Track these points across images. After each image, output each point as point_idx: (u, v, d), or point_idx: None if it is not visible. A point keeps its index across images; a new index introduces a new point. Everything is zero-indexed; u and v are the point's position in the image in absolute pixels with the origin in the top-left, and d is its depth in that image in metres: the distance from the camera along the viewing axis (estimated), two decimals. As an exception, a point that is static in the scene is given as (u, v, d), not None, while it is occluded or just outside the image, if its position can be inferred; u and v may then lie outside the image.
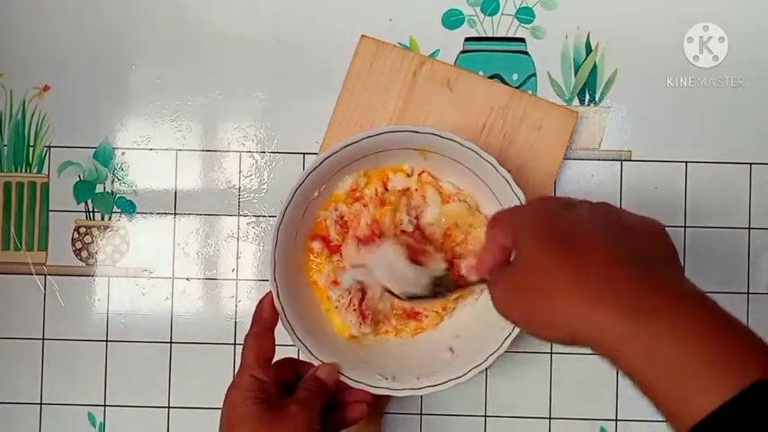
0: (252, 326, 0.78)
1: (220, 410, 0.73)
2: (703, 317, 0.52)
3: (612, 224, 0.62)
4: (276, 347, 0.77)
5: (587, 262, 0.56)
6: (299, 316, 0.80)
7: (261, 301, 0.79)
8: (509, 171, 0.78)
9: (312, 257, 0.86)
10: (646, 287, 0.54)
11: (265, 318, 0.78)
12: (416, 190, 0.87)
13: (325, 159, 0.79)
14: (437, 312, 0.88)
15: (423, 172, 0.87)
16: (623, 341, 0.52)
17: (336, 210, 0.86)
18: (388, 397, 0.82)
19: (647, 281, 0.54)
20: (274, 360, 0.77)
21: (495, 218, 0.69)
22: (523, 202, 0.77)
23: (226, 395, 0.73)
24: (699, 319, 0.52)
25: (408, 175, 0.87)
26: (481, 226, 0.85)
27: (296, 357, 0.83)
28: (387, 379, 0.79)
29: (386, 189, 0.87)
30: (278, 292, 0.79)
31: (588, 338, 0.55)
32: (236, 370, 0.75)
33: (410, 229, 0.85)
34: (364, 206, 0.85)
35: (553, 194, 0.95)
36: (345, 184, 0.86)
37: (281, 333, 0.78)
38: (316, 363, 0.79)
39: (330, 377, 0.78)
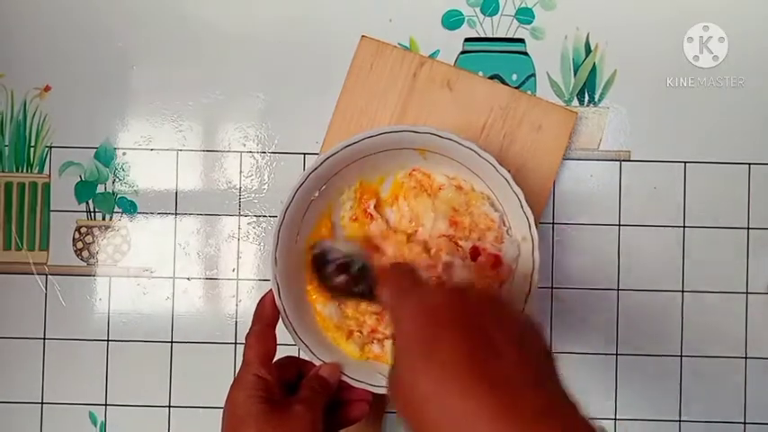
0: (253, 324, 0.78)
1: (222, 410, 0.73)
2: None
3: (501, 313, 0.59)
4: (277, 347, 0.77)
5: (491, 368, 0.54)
6: (300, 315, 0.81)
7: (262, 299, 0.80)
8: (509, 171, 0.78)
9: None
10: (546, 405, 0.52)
11: (267, 315, 0.78)
12: (404, 198, 0.88)
13: (326, 159, 0.79)
14: None
15: (414, 169, 0.87)
16: None
17: None
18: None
19: (547, 396, 0.53)
20: (276, 359, 0.77)
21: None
22: (523, 201, 0.78)
23: (228, 394, 0.73)
24: None
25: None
26: (478, 200, 0.85)
27: (297, 356, 0.83)
28: None
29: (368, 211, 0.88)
30: (279, 292, 0.79)
31: None
32: (238, 369, 0.75)
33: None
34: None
35: (549, 203, 0.96)
36: (346, 213, 0.87)
37: (281, 332, 0.78)
38: (317, 362, 0.80)
39: (333, 376, 0.78)
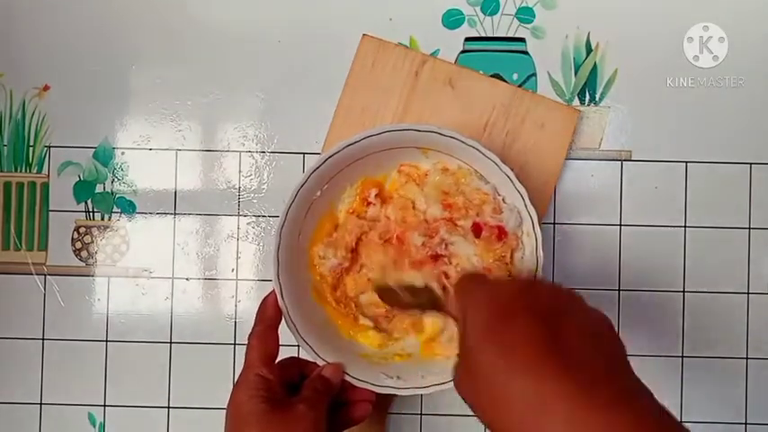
0: (255, 324, 0.78)
1: (224, 410, 0.73)
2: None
3: (564, 320, 0.58)
4: (280, 347, 0.77)
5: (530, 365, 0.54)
6: (302, 315, 0.80)
7: (264, 300, 0.79)
8: (512, 169, 0.78)
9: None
10: (587, 402, 0.52)
11: (269, 316, 0.78)
12: (396, 191, 0.88)
13: (328, 159, 0.79)
14: None
15: (402, 165, 0.88)
16: None
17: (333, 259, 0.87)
18: (392, 396, 0.82)
19: (620, 383, 0.54)
20: (278, 360, 0.77)
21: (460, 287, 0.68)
22: (526, 199, 0.78)
23: (231, 394, 0.73)
24: None
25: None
26: (466, 177, 0.85)
27: (299, 357, 0.83)
28: (391, 378, 0.79)
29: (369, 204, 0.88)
30: (281, 292, 0.79)
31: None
32: (238, 370, 0.75)
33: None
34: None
35: (550, 203, 0.96)
36: (343, 205, 0.88)
37: (283, 333, 0.78)
38: (320, 362, 0.79)
39: (335, 376, 0.78)
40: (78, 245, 0.98)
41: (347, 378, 0.79)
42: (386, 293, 0.84)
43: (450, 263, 0.84)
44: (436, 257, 0.85)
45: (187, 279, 0.98)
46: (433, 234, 0.85)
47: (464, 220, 0.85)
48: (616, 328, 0.94)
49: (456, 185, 0.85)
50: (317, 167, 0.79)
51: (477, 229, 0.84)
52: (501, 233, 0.84)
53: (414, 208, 0.86)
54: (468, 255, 0.83)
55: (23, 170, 0.98)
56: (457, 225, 0.85)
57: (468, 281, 0.68)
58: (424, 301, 0.81)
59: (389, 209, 0.87)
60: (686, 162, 0.97)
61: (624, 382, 0.55)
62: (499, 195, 0.84)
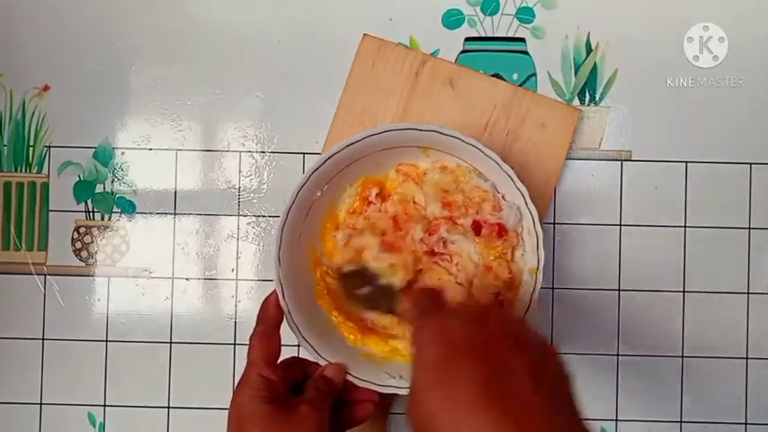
0: (257, 324, 0.78)
1: (224, 410, 0.73)
2: None
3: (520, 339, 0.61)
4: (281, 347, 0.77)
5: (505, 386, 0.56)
6: (303, 315, 0.80)
7: (266, 300, 0.79)
8: (512, 168, 0.78)
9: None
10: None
11: (271, 316, 0.78)
12: (395, 190, 0.88)
13: (328, 159, 0.79)
14: None
15: (400, 164, 0.87)
16: None
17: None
18: (394, 395, 0.81)
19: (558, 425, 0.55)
20: (280, 360, 0.76)
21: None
22: (527, 197, 0.78)
23: (233, 395, 0.73)
24: None
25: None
26: (466, 175, 0.85)
27: (302, 357, 0.83)
28: (394, 378, 0.79)
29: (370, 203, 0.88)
30: (283, 292, 0.79)
31: None
32: (239, 370, 0.75)
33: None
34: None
35: (550, 203, 0.96)
36: (344, 205, 0.88)
37: (285, 333, 0.78)
38: (322, 362, 0.79)
39: (338, 377, 0.78)
40: (78, 245, 0.98)
41: (350, 378, 0.79)
42: (348, 281, 0.85)
43: (452, 261, 0.84)
44: (433, 254, 0.85)
45: (187, 279, 0.98)
46: (432, 231, 0.85)
47: (464, 218, 0.85)
48: (615, 329, 0.95)
49: (455, 183, 0.85)
50: (318, 167, 0.79)
51: (477, 227, 0.84)
52: (501, 230, 0.84)
53: (414, 202, 0.86)
54: (470, 252, 0.83)
55: (23, 170, 0.98)
56: (457, 223, 0.85)
57: (421, 300, 0.71)
58: (385, 302, 0.83)
59: (388, 204, 0.87)
60: (686, 162, 0.97)
61: (563, 422, 0.56)
62: (498, 193, 0.84)
